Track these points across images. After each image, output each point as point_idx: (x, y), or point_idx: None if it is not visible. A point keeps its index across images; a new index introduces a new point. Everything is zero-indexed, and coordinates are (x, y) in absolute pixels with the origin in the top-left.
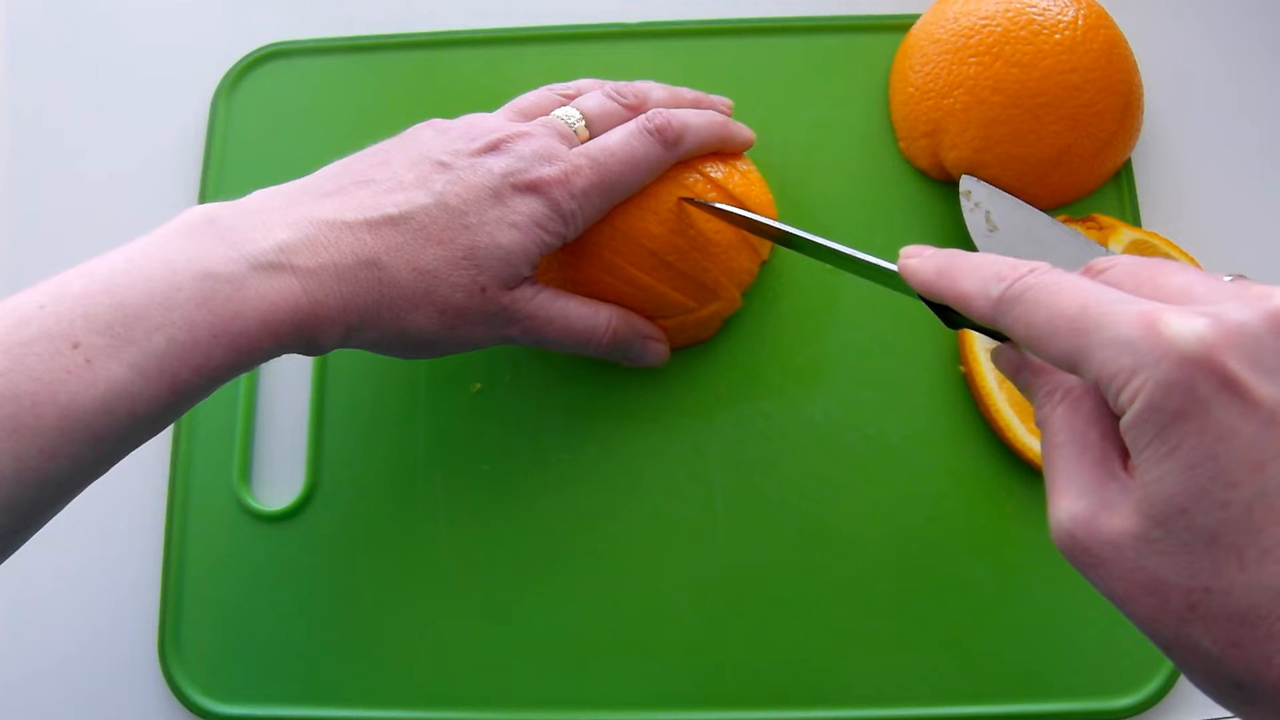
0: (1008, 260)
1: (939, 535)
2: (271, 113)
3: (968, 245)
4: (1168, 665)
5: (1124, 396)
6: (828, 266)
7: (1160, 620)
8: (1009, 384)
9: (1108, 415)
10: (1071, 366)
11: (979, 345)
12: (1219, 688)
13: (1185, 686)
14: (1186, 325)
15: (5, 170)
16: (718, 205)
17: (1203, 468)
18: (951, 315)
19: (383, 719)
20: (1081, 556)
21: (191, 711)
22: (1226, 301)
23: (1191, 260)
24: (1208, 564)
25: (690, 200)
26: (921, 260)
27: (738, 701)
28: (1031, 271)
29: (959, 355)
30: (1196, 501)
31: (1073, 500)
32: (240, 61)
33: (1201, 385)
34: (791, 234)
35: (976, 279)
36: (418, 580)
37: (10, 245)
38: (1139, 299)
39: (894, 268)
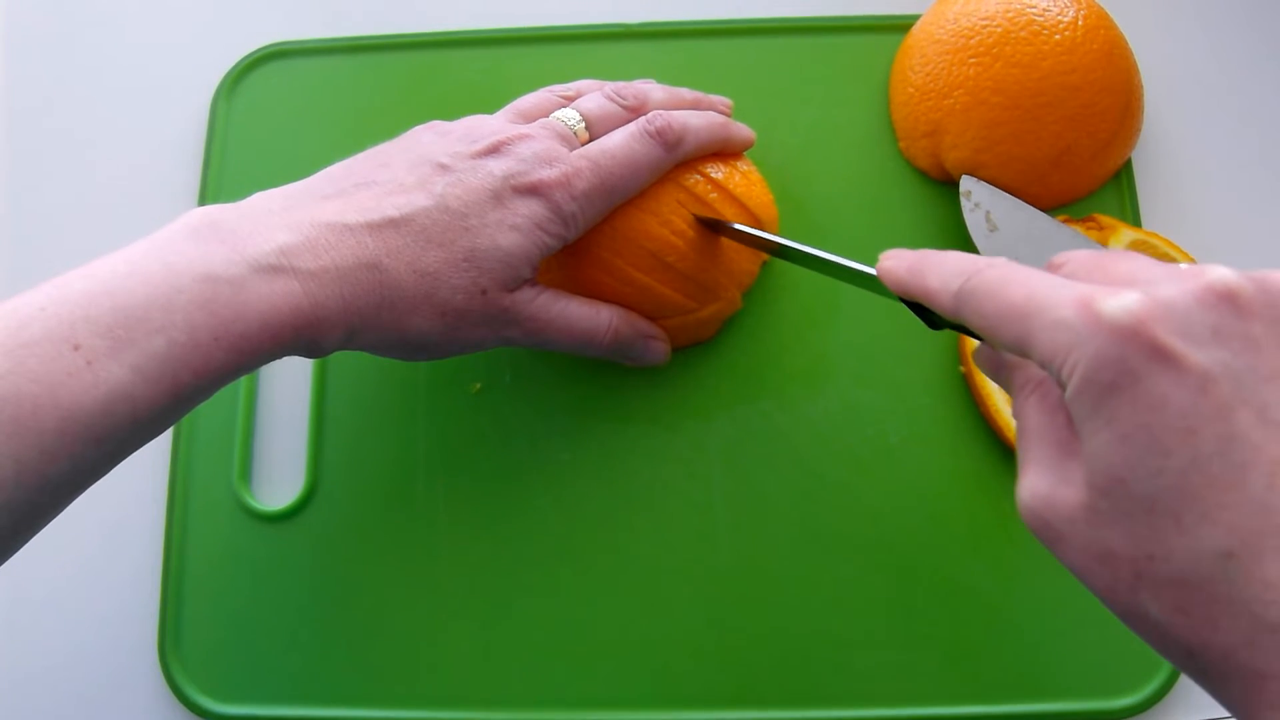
0: (970, 256)
1: (939, 535)
2: (271, 113)
3: (968, 245)
4: (1168, 665)
5: (1064, 373)
6: None
7: (1114, 590)
8: None
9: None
10: (1021, 353)
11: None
12: (1174, 658)
13: (1185, 686)
14: (1118, 302)
15: (5, 170)
16: (735, 226)
17: (1136, 437)
18: (932, 316)
19: (382, 719)
20: (1043, 532)
21: (191, 711)
22: (1162, 281)
23: (1191, 261)
24: (1148, 531)
25: (704, 220)
26: (896, 261)
27: (738, 701)
28: (989, 266)
29: (959, 355)
30: (1133, 470)
31: (1035, 478)
32: (240, 61)
33: (1132, 357)
34: (784, 245)
35: (940, 275)
36: (418, 580)
37: (11, 245)
38: (1080, 284)
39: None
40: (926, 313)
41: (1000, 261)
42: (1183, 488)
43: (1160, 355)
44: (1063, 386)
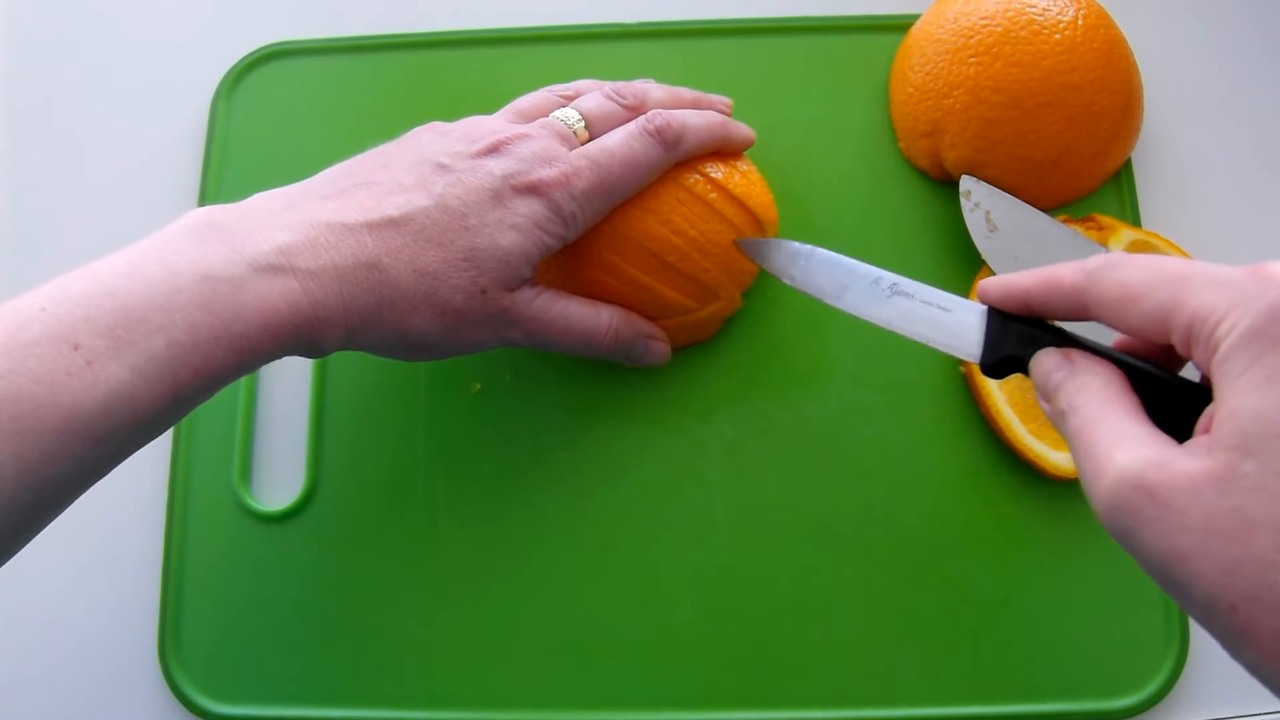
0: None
1: (939, 535)
2: (271, 113)
3: (968, 245)
4: (1168, 665)
5: (1221, 329)
6: None
7: (1237, 570)
8: (1009, 384)
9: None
10: (1162, 319)
11: None
12: None
13: (1185, 686)
14: None
15: (5, 170)
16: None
17: None
18: (999, 359)
19: (382, 719)
20: (1146, 508)
21: (191, 711)
22: None
23: None
24: None
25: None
26: (998, 278)
27: (738, 701)
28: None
29: None
30: None
31: (1136, 447)
32: (240, 61)
33: None
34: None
35: (1068, 265)
36: (418, 580)
37: (11, 246)
38: None
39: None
40: (1001, 358)
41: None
42: None
43: None
44: (1208, 344)
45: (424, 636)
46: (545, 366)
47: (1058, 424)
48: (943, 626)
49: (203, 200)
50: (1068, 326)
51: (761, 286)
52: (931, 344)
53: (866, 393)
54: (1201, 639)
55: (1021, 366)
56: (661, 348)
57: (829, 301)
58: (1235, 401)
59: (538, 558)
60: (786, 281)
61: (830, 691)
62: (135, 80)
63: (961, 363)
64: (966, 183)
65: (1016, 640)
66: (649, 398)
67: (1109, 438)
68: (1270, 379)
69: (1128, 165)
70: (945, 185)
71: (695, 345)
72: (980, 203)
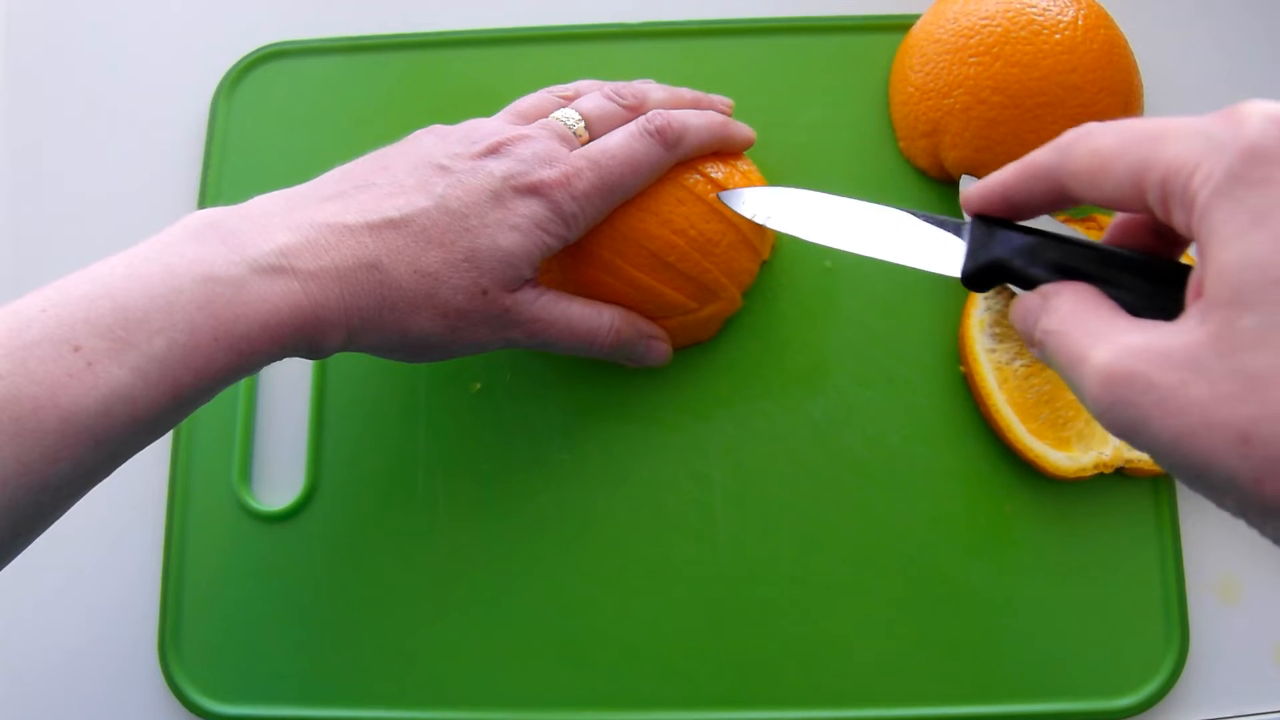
0: None
1: (939, 535)
2: (271, 113)
3: None
4: (1168, 665)
5: (1196, 180)
6: (827, 266)
7: (1254, 435)
8: (1009, 384)
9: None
10: (1136, 181)
11: (979, 345)
12: None
13: (1185, 686)
14: (1262, 104)
15: (5, 171)
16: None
17: None
18: (987, 275)
19: (382, 719)
20: (1142, 396)
21: (191, 711)
22: None
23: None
24: None
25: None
26: (986, 178)
27: (738, 701)
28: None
29: (959, 355)
30: None
31: (1115, 339)
32: (240, 61)
33: None
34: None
35: (1042, 148)
36: (417, 580)
37: (10, 246)
38: None
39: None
40: (980, 269)
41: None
42: None
43: None
44: (1184, 199)
45: (424, 636)
46: (545, 366)
47: (1045, 360)
48: (942, 626)
49: (203, 200)
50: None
51: (761, 286)
52: (916, 265)
53: (866, 392)
54: (1201, 639)
55: (1005, 278)
56: (662, 348)
57: (811, 238)
58: (1222, 254)
59: (537, 557)
60: (763, 221)
61: (830, 691)
62: (135, 80)
63: (961, 362)
64: (966, 183)
65: (1017, 640)
66: (649, 398)
67: (1084, 343)
68: (1256, 221)
69: None
70: (945, 185)
71: (695, 345)
72: None
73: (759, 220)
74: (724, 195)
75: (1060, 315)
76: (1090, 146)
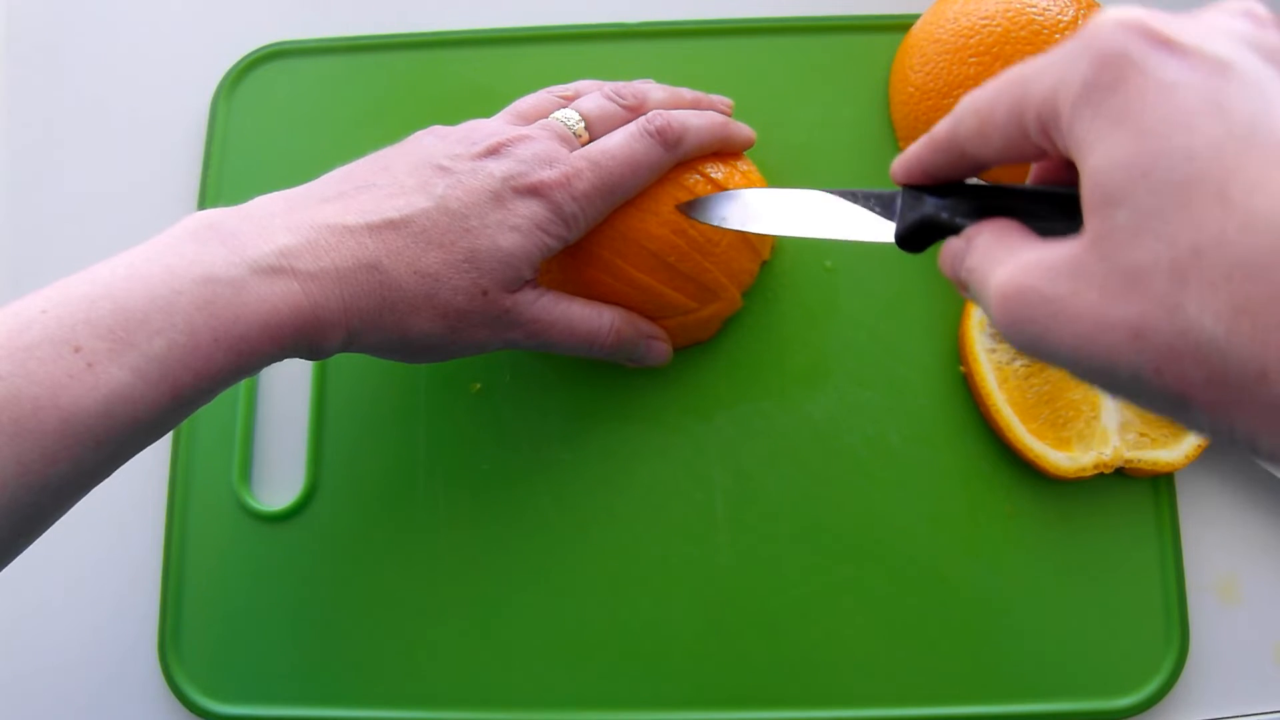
0: None
1: (939, 535)
2: (271, 113)
3: None
4: (1168, 665)
5: (1061, 96)
6: (828, 266)
7: (1146, 328)
8: (1009, 384)
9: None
10: (1017, 125)
11: (979, 345)
12: (1229, 392)
13: (1185, 686)
14: (1112, 10)
15: (5, 171)
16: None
17: (1158, 122)
18: (919, 233)
19: (382, 719)
20: (1037, 309)
21: (191, 711)
22: None
23: None
24: (1188, 221)
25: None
26: (905, 151)
27: (738, 701)
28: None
29: (959, 355)
30: (1159, 158)
31: (1010, 259)
32: (240, 61)
33: (1135, 47)
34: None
35: (941, 121)
36: (417, 580)
37: (10, 247)
38: None
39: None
40: (912, 227)
41: None
42: (1222, 162)
43: (1166, 44)
44: (1056, 122)
45: (424, 636)
46: (545, 366)
47: (972, 299)
48: (942, 626)
49: (203, 200)
50: None
51: (761, 286)
52: (857, 238)
53: (866, 392)
54: (1201, 639)
55: (936, 234)
56: (663, 348)
57: (759, 229)
58: (1090, 160)
59: (537, 557)
60: (718, 223)
61: (830, 691)
62: (135, 80)
63: (961, 362)
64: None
65: (1017, 640)
66: (649, 398)
67: (993, 260)
68: (1115, 122)
69: None
70: None
71: (695, 345)
72: None
73: (715, 224)
74: (682, 208)
75: (979, 251)
76: (971, 106)
